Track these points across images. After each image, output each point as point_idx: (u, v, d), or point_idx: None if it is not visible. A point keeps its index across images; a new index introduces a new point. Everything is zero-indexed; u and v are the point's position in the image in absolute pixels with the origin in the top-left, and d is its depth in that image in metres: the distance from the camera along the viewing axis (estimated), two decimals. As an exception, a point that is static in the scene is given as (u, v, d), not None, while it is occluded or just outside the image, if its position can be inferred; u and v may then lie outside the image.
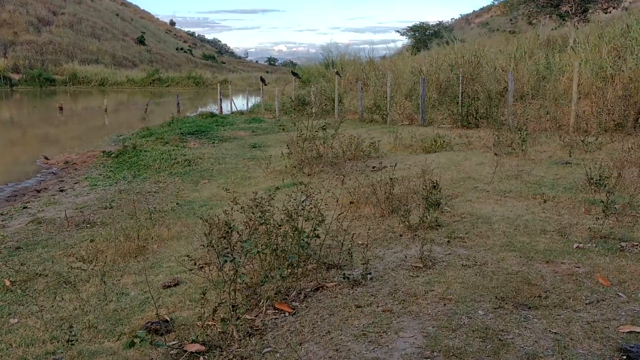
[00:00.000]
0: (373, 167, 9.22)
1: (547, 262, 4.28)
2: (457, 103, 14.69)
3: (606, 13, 26.53)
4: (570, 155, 8.89)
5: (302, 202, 7.62)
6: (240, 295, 3.99)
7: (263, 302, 3.92)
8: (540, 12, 31.59)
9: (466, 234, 5.08)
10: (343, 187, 7.36)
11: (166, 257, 5.72)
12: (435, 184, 5.33)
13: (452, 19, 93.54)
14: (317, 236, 4.81)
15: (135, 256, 5.83)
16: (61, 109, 29.89)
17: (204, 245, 4.41)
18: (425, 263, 4.30)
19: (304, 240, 4.51)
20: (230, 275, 3.52)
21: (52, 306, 4.54)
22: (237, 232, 4.05)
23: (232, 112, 26.53)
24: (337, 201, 6.11)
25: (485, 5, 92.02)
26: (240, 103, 30.59)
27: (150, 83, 60.07)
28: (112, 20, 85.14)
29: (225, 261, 3.45)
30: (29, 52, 60.54)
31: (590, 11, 27.50)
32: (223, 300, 3.62)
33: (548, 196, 6.24)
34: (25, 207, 8.82)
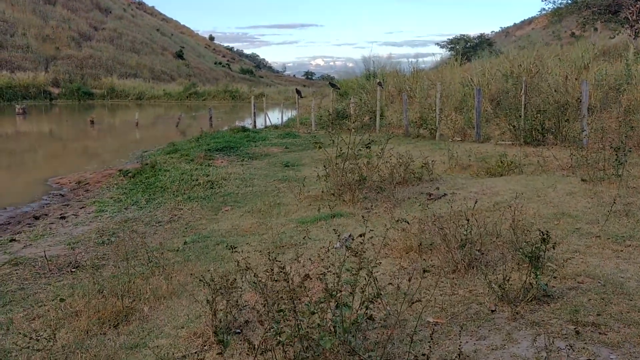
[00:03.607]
0: (430, 195, 7.50)
1: None
2: (519, 116, 12.81)
3: None
4: (686, 183, 6.99)
5: (340, 247, 5.99)
6: None
7: None
8: (597, 19, 29.38)
9: (598, 315, 3.32)
10: (396, 223, 5.73)
11: (156, 328, 4.13)
12: (545, 236, 3.57)
13: (492, 32, 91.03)
14: (372, 318, 3.17)
15: (116, 325, 4.27)
16: (92, 122, 29.08)
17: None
18: (556, 382, 2.58)
19: (349, 331, 2.87)
20: None
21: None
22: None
23: (265, 127, 25.16)
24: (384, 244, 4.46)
25: (526, 18, 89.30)
26: (275, 117, 29.24)
27: (187, 97, 59.50)
28: (152, 35, 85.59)
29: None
30: (69, 67, 60.87)
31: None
32: None
33: (695, 248, 4.41)
34: (13, 240, 7.39)
